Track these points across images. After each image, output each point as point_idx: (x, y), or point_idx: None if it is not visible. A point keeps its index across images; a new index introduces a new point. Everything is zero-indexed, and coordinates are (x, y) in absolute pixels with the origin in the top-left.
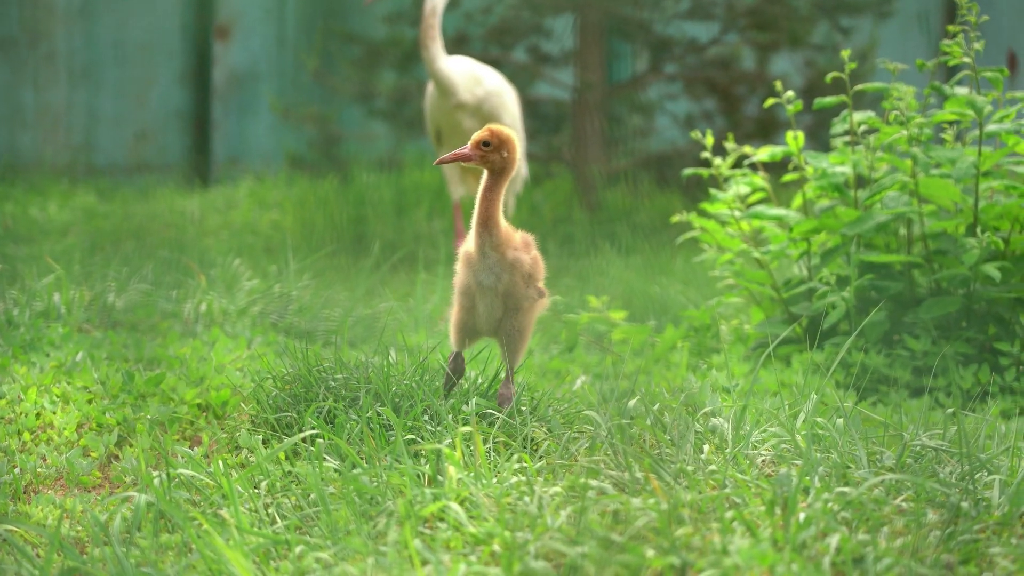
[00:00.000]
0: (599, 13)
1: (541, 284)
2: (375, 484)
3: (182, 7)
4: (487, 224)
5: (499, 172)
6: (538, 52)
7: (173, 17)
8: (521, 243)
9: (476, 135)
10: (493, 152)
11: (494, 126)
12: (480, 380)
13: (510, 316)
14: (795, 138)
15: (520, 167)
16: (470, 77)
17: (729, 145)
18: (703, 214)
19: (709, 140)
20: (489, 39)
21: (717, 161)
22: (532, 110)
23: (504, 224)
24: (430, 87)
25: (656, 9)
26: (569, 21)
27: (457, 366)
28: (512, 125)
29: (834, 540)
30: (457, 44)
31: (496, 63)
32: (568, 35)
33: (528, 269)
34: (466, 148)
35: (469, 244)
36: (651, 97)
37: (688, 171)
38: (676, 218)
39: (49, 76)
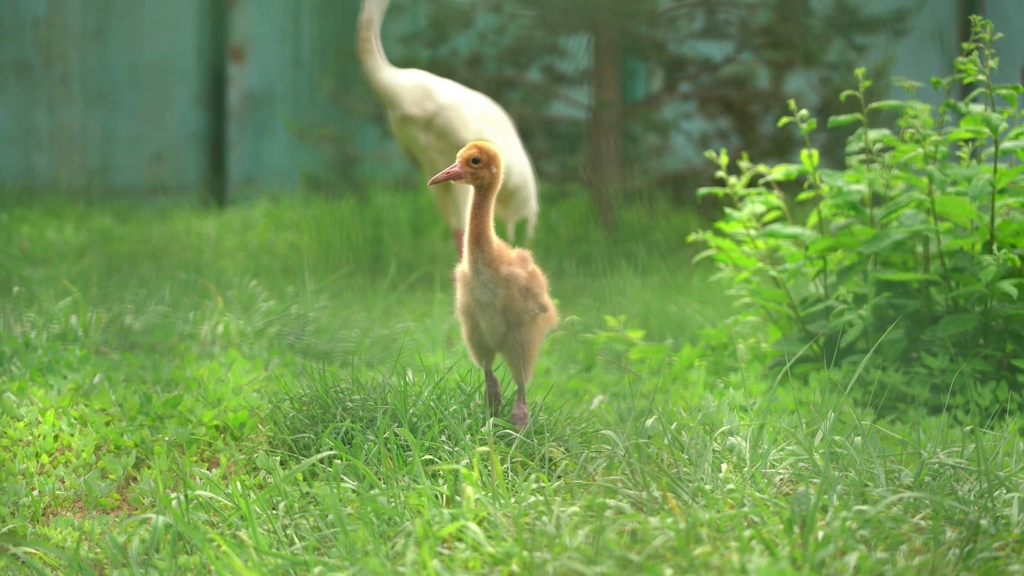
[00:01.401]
0: (614, 32)
1: (544, 299)
2: (393, 505)
3: (197, 29)
4: (479, 241)
5: (487, 188)
6: (553, 72)
7: (188, 39)
8: (517, 258)
9: (464, 152)
10: (482, 168)
11: (479, 142)
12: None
13: (513, 331)
14: (810, 156)
15: (525, 184)
16: (419, 90)
17: (744, 164)
18: (719, 233)
19: (724, 159)
20: (503, 59)
21: (732, 180)
22: (548, 129)
23: (496, 240)
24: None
25: (670, 28)
26: (584, 41)
27: (490, 385)
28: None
29: (852, 558)
30: (471, 65)
31: (511, 83)
32: (583, 55)
33: (524, 283)
34: (456, 166)
35: (464, 264)
36: (666, 116)
37: (703, 191)
38: (692, 237)
39: (64, 98)
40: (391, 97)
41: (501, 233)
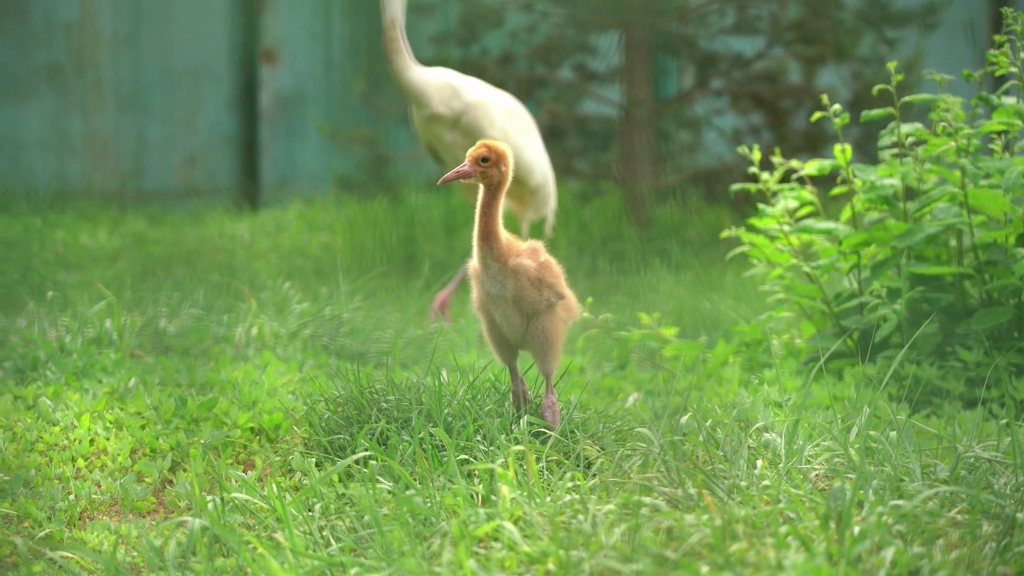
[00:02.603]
0: (645, 29)
1: (561, 288)
2: (428, 505)
3: (228, 32)
4: (487, 238)
5: (496, 186)
6: (584, 70)
7: (219, 42)
8: (527, 250)
9: (473, 151)
10: (492, 167)
11: (488, 140)
12: (532, 396)
13: (530, 322)
14: (843, 151)
15: (546, 183)
16: (447, 88)
17: (776, 159)
18: (752, 229)
19: (756, 155)
20: (535, 58)
21: (765, 176)
22: (580, 127)
23: (505, 235)
24: (413, 110)
25: (701, 25)
26: (615, 38)
27: (516, 384)
28: (501, 139)
29: (889, 553)
30: (502, 64)
31: (542, 82)
32: (614, 52)
33: (535, 273)
34: (465, 165)
35: (473, 260)
36: (698, 113)
37: (736, 187)
38: (725, 234)
39: (97, 103)
40: (420, 96)
41: (515, 230)
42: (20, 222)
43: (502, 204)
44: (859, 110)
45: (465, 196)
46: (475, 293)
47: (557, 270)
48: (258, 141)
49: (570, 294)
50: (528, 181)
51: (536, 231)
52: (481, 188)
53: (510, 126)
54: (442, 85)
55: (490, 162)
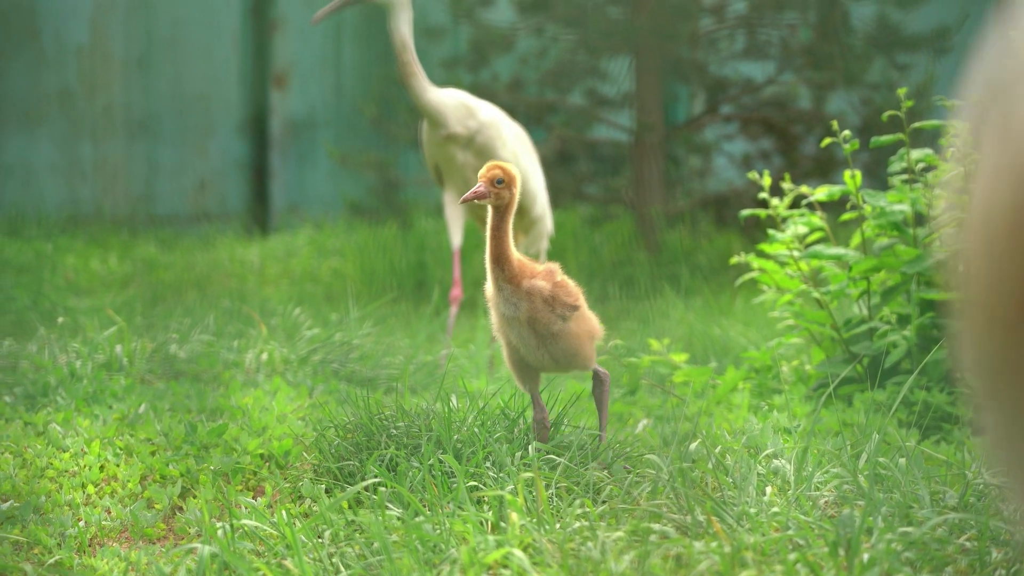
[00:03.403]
0: (655, 54)
1: (577, 302)
2: (438, 532)
3: (239, 56)
4: (498, 260)
5: (505, 209)
6: (595, 95)
7: (230, 66)
8: (543, 272)
9: (487, 173)
10: (504, 189)
11: (500, 162)
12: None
13: (550, 344)
14: (853, 177)
15: (544, 215)
16: (462, 108)
17: (786, 185)
18: (762, 255)
19: (766, 181)
20: (545, 83)
21: (775, 201)
22: (591, 152)
23: (518, 256)
24: (424, 123)
25: (711, 50)
26: (625, 63)
27: (537, 411)
28: (512, 160)
29: None
30: (512, 89)
31: (552, 107)
32: (625, 77)
33: (548, 293)
34: (481, 186)
35: (488, 283)
36: (708, 138)
37: (746, 212)
38: (735, 260)
39: (107, 128)
40: (439, 116)
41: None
42: (31, 247)
43: (511, 225)
44: (869, 136)
45: (472, 219)
46: (493, 317)
47: (574, 290)
48: (268, 166)
49: (591, 314)
50: (531, 210)
51: None
52: (490, 210)
53: (520, 149)
54: (458, 105)
55: (503, 184)
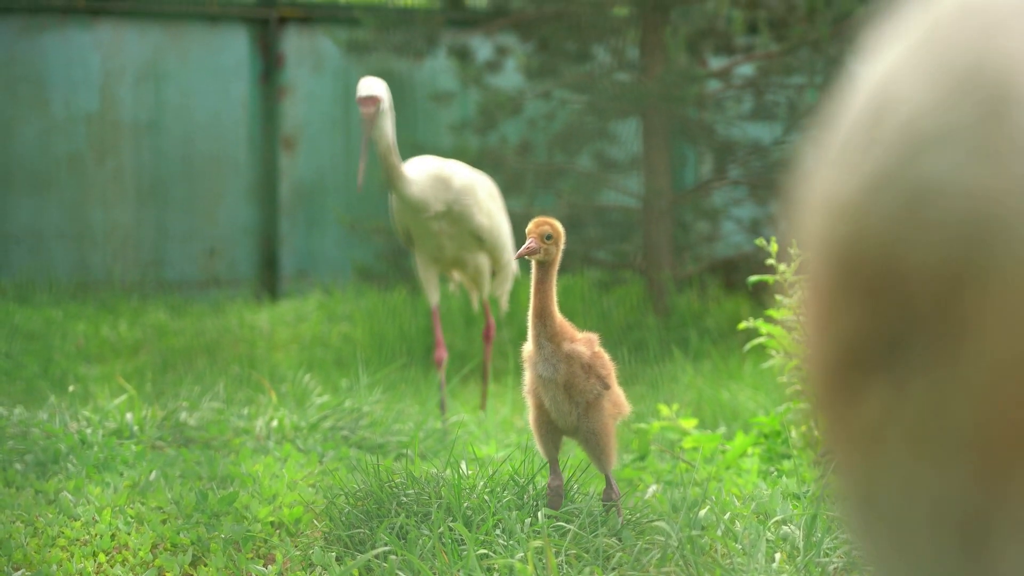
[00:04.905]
0: (663, 117)
1: (609, 380)
2: None
3: (248, 119)
4: (542, 315)
5: (550, 264)
6: (603, 158)
7: (239, 129)
8: (583, 340)
9: (536, 229)
10: (553, 244)
11: (549, 219)
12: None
13: (581, 418)
14: None
15: (511, 260)
16: (438, 183)
17: (794, 251)
18: (770, 320)
19: (774, 247)
20: (553, 146)
21: (782, 267)
22: (600, 218)
23: (560, 317)
24: (393, 196)
25: (719, 111)
26: (633, 125)
27: (554, 478)
28: (487, 224)
29: None
30: (521, 152)
31: (561, 172)
32: (633, 140)
33: (587, 360)
34: (532, 243)
35: (528, 341)
36: (716, 203)
37: (754, 278)
38: (743, 325)
39: (117, 193)
40: (422, 205)
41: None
42: (41, 314)
43: (555, 281)
44: None
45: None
46: (527, 378)
47: (609, 364)
48: (278, 232)
49: (619, 391)
50: (500, 258)
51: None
52: (533, 266)
53: (493, 207)
54: (434, 183)
55: (552, 239)
